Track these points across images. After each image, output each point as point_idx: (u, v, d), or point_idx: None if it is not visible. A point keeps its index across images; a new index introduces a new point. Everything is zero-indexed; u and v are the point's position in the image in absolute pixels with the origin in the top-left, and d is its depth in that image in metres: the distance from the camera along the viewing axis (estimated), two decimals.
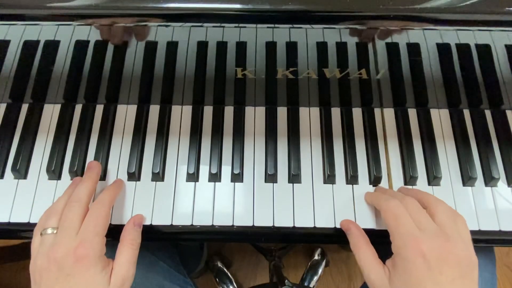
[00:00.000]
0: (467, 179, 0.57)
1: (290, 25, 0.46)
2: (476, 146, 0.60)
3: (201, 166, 0.58)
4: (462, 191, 0.57)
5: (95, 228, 0.46)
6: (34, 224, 0.49)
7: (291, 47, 0.50)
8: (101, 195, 0.50)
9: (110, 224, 0.54)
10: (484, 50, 0.50)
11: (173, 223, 0.55)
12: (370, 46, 0.50)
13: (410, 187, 0.57)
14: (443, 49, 0.50)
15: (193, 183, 0.57)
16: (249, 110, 0.62)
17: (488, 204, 0.56)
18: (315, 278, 1.14)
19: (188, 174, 0.57)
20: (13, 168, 0.57)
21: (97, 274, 0.44)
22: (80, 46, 0.50)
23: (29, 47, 0.51)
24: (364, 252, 0.48)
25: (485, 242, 0.56)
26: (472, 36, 0.48)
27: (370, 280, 0.46)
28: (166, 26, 0.46)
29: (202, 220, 0.55)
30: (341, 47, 0.50)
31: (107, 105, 0.62)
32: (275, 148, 0.59)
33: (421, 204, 0.48)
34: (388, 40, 0.49)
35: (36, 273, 0.45)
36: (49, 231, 0.46)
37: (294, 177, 0.57)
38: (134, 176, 0.57)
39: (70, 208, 0.47)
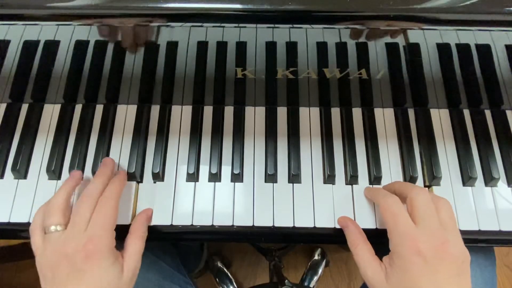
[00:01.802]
0: (467, 179, 0.57)
1: (290, 25, 0.46)
2: (476, 146, 0.60)
3: (201, 166, 0.58)
4: (462, 191, 0.57)
5: (104, 223, 0.46)
6: None
7: (291, 47, 0.50)
8: (107, 189, 0.50)
9: None
10: (484, 50, 0.50)
11: (173, 223, 0.55)
12: (370, 46, 0.50)
13: None
14: (443, 49, 0.50)
15: (193, 183, 0.57)
16: (249, 110, 0.62)
17: (488, 204, 0.56)
18: (315, 278, 1.14)
19: (188, 174, 0.57)
20: (13, 168, 0.57)
21: (109, 267, 0.45)
22: (80, 46, 0.50)
23: (29, 47, 0.51)
24: (361, 249, 0.49)
25: (485, 242, 0.56)
26: (472, 36, 0.48)
27: (367, 276, 0.47)
28: (166, 26, 0.46)
29: (202, 220, 0.55)
30: (341, 47, 0.50)
31: (107, 105, 0.62)
32: (275, 148, 0.59)
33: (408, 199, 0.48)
34: (388, 40, 0.49)
35: (47, 269, 0.45)
36: (52, 228, 0.46)
37: (294, 177, 0.57)
38: (135, 176, 0.57)
39: (82, 203, 0.48)
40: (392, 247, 0.46)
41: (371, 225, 0.54)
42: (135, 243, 0.49)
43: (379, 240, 0.51)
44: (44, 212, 0.49)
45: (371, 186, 0.57)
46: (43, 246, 0.46)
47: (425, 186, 0.58)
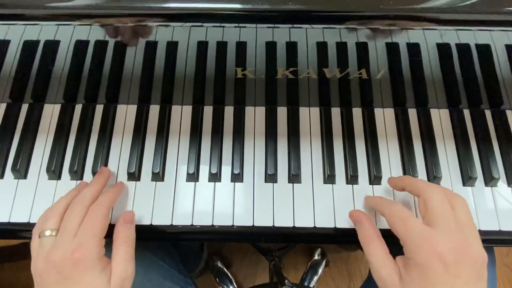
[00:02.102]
0: (467, 179, 0.57)
1: (290, 25, 0.46)
2: (476, 146, 0.60)
3: (201, 166, 0.58)
4: (462, 191, 0.57)
5: (92, 230, 0.46)
6: (34, 224, 0.49)
7: (291, 47, 0.50)
8: (100, 197, 0.50)
9: (110, 224, 0.54)
10: (484, 50, 0.50)
11: (173, 223, 0.55)
12: (370, 46, 0.50)
13: None
14: (443, 49, 0.50)
15: (193, 183, 0.57)
16: (249, 110, 0.62)
17: (488, 204, 0.56)
18: (315, 278, 1.14)
19: (188, 174, 0.57)
20: (13, 168, 0.57)
21: (96, 276, 0.44)
22: (80, 46, 0.50)
23: (29, 47, 0.51)
24: (375, 247, 0.46)
25: (485, 242, 0.55)
26: (472, 36, 0.48)
27: (381, 276, 0.44)
28: (166, 26, 0.46)
29: (202, 220, 0.55)
30: (341, 47, 0.50)
31: (107, 105, 0.62)
32: (275, 148, 0.59)
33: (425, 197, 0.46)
34: (388, 40, 0.49)
35: (37, 276, 0.45)
36: (47, 233, 0.46)
37: (294, 177, 0.57)
38: (134, 176, 0.57)
39: (72, 210, 0.48)
40: (408, 254, 0.43)
41: None
42: (120, 248, 0.48)
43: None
44: (44, 216, 0.49)
45: (370, 186, 0.57)
46: (37, 251, 0.46)
47: None
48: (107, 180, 0.55)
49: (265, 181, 0.57)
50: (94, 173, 0.57)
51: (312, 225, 0.54)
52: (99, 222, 0.47)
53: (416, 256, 0.42)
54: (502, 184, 0.58)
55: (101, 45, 0.50)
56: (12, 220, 0.55)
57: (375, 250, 0.46)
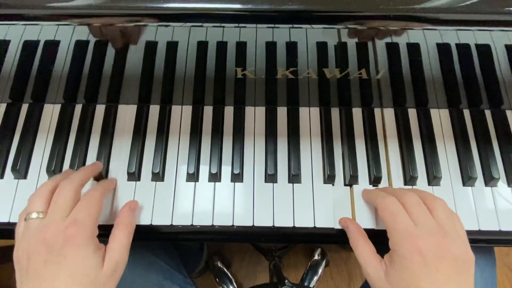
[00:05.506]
0: (467, 179, 0.57)
1: (290, 25, 0.46)
2: (476, 146, 0.60)
3: (201, 166, 0.58)
4: (462, 191, 0.57)
5: (88, 210, 0.45)
6: None
7: (291, 47, 0.50)
8: (95, 185, 0.50)
9: (107, 225, 0.54)
10: (484, 50, 0.50)
11: (173, 223, 0.55)
12: (370, 46, 0.50)
13: (409, 187, 0.57)
14: (443, 49, 0.50)
15: (193, 183, 0.57)
16: (249, 110, 0.62)
17: (488, 204, 0.56)
18: (315, 278, 1.14)
19: (188, 174, 0.57)
20: (13, 168, 0.57)
21: (89, 255, 0.43)
22: (80, 46, 0.50)
23: (29, 47, 0.51)
24: (361, 247, 0.49)
25: (485, 242, 0.56)
26: (472, 36, 0.48)
27: (367, 273, 0.47)
28: (166, 26, 0.46)
29: (202, 220, 0.55)
30: (341, 47, 0.50)
31: (107, 105, 0.62)
32: (275, 148, 0.59)
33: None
34: (388, 40, 0.49)
35: (23, 258, 0.43)
36: (34, 215, 0.45)
37: (294, 177, 0.57)
38: (134, 176, 0.57)
39: (62, 190, 0.47)
40: (392, 245, 0.46)
41: (371, 225, 0.54)
42: (119, 235, 0.48)
43: (379, 239, 0.50)
44: (29, 200, 0.48)
45: (370, 186, 0.57)
46: (22, 234, 0.45)
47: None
48: (96, 170, 0.55)
49: (265, 181, 0.57)
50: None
51: (312, 225, 0.54)
52: (95, 204, 0.47)
53: (399, 248, 0.44)
54: (502, 184, 0.58)
55: (101, 45, 0.50)
56: (12, 220, 0.55)
57: (362, 250, 0.49)
